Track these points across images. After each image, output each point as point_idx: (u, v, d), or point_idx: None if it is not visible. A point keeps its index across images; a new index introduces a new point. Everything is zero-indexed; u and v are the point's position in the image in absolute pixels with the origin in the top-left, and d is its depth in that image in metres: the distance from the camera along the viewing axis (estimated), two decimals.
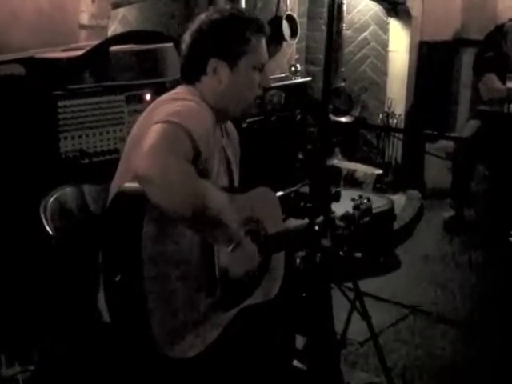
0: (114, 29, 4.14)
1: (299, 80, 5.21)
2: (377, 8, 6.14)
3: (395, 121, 5.99)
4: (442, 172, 5.61)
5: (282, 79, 5.08)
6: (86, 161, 3.02)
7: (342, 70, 5.98)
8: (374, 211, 4.13)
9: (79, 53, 3.09)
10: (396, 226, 4.83)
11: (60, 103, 2.92)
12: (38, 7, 3.43)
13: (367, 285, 3.74)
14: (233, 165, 2.35)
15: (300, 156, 5.05)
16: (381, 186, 5.66)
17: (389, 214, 4.58)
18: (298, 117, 5.04)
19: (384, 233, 4.53)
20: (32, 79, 2.98)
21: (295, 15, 5.31)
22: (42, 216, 2.20)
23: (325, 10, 6.09)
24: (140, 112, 2.21)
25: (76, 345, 2.22)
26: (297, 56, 5.78)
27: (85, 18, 3.62)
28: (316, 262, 2.35)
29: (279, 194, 2.80)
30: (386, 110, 6.04)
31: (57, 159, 2.92)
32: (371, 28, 6.22)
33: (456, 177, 5.19)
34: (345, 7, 6.01)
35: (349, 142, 6.18)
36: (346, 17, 6.12)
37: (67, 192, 2.35)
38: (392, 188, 5.75)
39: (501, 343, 3.49)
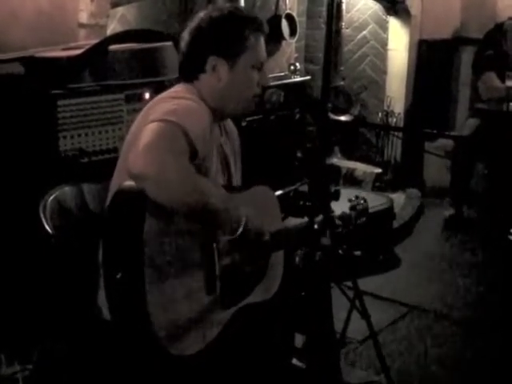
0: (113, 28, 4.14)
1: (298, 79, 5.21)
2: (376, 7, 6.14)
3: (394, 119, 5.99)
4: (442, 171, 5.61)
5: (281, 78, 5.08)
6: (86, 160, 3.02)
7: (342, 68, 5.98)
8: (373, 210, 4.17)
9: (78, 52, 3.08)
10: (395, 224, 4.83)
11: (59, 102, 2.92)
12: (37, 6, 3.43)
13: (367, 283, 3.75)
14: (231, 163, 2.35)
15: (299, 155, 5.05)
16: (380, 184, 5.66)
17: (388, 212, 4.58)
18: (298, 116, 5.04)
19: (383, 231, 4.53)
20: (31, 78, 2.98)
21: (294, 14, 5.31)
22: (42, 215, 2.20)
23: (324, 8, 6.09)
24: (139, 111, 2.21)
25: (76, 343, 2.22)
26: (296, 55, 5.78)
27: (84, 17, 3.61)
28: (315, 261, 2.35)
29: (278, 192, 2.79)
30: (386, 108, 6.05)
31: (56, 158, 2.92)
32: (370, 26, 6.22)
33: (455, 175, 5.19)
34: (344, 6, 6.00)
35: (348, 141, 6.18)
36: (346, 15, 6.12)
37: (66, 191, 2.35)
38: (391, 187, 5.75)
39: (500, 342, 3.49)
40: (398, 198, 5.47)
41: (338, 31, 5.88)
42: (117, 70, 3.12)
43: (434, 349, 3.44)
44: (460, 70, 6.28)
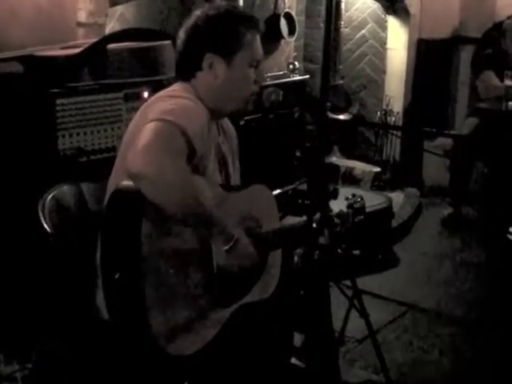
0: (111, 26, 4.14)
1: (297, 78, 5.21)
2: (375, 6, 6.14)
3: (393, 118, 5.99)
4: (441, 170, 5.61)
5: (280, 77, 5.08)
6: (84, 159, 3.02)
7: (340, 67, 5.97)
8: (372, 209, 4.19)
9: (77, 51, 3.08)
10: (394, 223, 4.84)
11: (58, 101, 2.92)
12: (36, 5, 3.43)
13: (365, 282, 3.75)
14: (229, 163, 2.35)
15: (298, 154, 5.05)
16: (379, 183, 5.66)
17: (387, 211, 4.58)
18: (296, 114, 5.04)
19: (382, 230, 4.54)
20: (30, 77, 2.98)
21: (293, 13, 5.31)
22: (40, 214, 2.20)
23: (323, 7, 6.08)
24: (138, 110, 2.21)
25: (74, 342, 2.22)
26: (295, 54, 5.78)
27: (82, 16, 3.62)
28: (314, 260, 2.35)
29: (277, 191, 2.80)
30: (384, 107, 6.05)
31: (55, 157, 2.93)
32: (369, 26, 6.22)
33: (454, 174, 5.19)
34: (343, 5, 5.99)
35: (347, 140, 6.17)
36: (344, 14, 6.11)
37: (65, 190, 2.35)
38: (390, 186, 5.75)
39: (500, 341, 3.49)
40: (397, 197, 5.47)
41: (337, 30, 5.87)
42: (115, 68, 3.11)
43: (433, 348, 3.44)
44: (459, 69, 6.27)
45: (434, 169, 5.82)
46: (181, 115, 1.97)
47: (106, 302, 1.95)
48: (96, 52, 3.08)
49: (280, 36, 5.17)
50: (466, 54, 6.11)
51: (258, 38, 2.24)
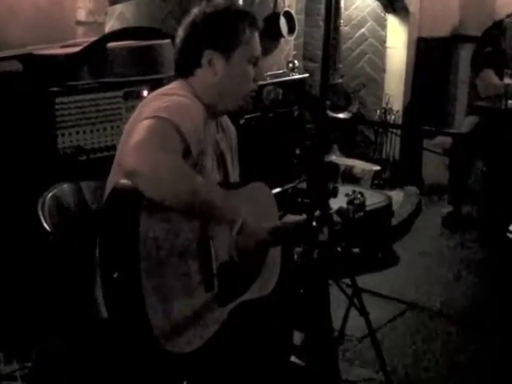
0: (111, 25, 4.14)
1: (297, 76, 5.20)
2: (374, 4, 6.14)
3: (393, 117, 5.99)
4: (440, 168, 5.61)
5: (279, 75, 5.07)
6: (84, 157, 3.02)
7: (340, 66, 5.97)
8: (371, 207, 4.19)
9: (77, 49, 3.08)
10: (394, 222, 4.84)
11: (57, 100, 2.92)
12: (35, 3, 3.43)
13: (365, 281, 3.75)
14: (228, 160, 2.35)
15: (298, 152, 5.05)
16: (378, 182, 5.66)
17: (387, 210, 4.59)
18: (296, 113, 5.04)
19: (382, 229, 4.54)
20: (29, 76, 2.98)
21: (293, 11, 5.30)
22: (40, 212, 2.20)
23: (322, 6, 6.08)
24: None
25: (74, 341, 2.22)
26: (294, 52, 5.78)
27: (82, 15, 3.62)
28: (314, 258, 2.35)
29: (277, 190, 2.79)
30: (384, 106, 6.05)
31: (54, 156, 2.92)
32: (369, 24, 6.22)
33: (454, 173, 5.19)
34: (342, 3, 5.99)
35: (346, 139, 6.17)
36: (344, 13, 6.11)
37: (65, 188, 2.35)
38: (390, 184, 5.75)
39: (500, 340, 3.49)
40: (397, 195, 5.47)
41: (337, 29, 5.86)
42: (115, 67, 3.12)
43: (433, 346, 3.44)
44: (458, 67, 6.27)
45: (434, 167, 5.82)
46: (175, 112, 1.97)
47: (105, 300, 1.94)
48: (95, 51, 3.08)
49: (279, 34, 5.16)
50: (465, 53, 6.11)
51: (256, 34, 2.24)
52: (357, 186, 5.06)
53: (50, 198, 2.26)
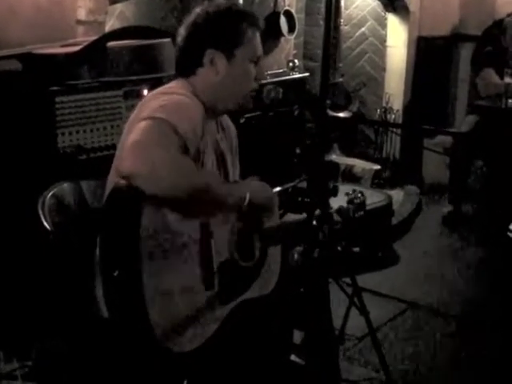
0: (111, 24, 4.14)
1: (297, 75, 5.20)
2: (374, 3, 6.14)
3: (393, 116, 5.99)
4: (440, 167, 5.61)
5: (279, 75, 5.07)
6: (84, 156, 3.02)
7: (340, 65, 5.96)
8: (372, 207, 4.19)
9: (77, 48, 3.08)
10: (394, 221, 4.84)
11: (57, 99, 2.92)
12: (35, 3, 3.43)
13: (365, 280, 3.75)
14: (227, 160, 2.35)
15: (298, 151, 5.05)
16: (379, 181, 5.66)
17: (387, 209, 4.58)
18: (296, 112, 5.03)
19: (382, 228, 4.54)
20: (29, 75, 2.98)
21: (293, 11, 5.30)
22: (40, 211, 2.20)
23: (322, 5, 6.07)
24: None
25: (74, 340, 2.22)
26: (295, 51, 5.77)
27: (82, 14, 3.62)
28: (314, 257, 2.35)
29: (277, 189, 2.79)
30: (384, 105, 6.04)
31: (54, 155, 2.92)
32: (369, 23, 6.22)
33: (454, 172, 5.19)
34: (343, 2, 5.99)
35: (347, 138, 6.17)
36: (344, 12, 6.11)
37: (65, 187, 2.35)
38: (390, 183, 5.76)
39: (499, 339, 3.49)
40: (397, 194, 5.47)
41: (337, 28, 5.86)
42: (115, 66, 3.12)
43: (433, 345, 3.44)
44: (459, 66, 6.27)
45: (434, 166, 5.82)
46: (172, 112, 1.96)
47: (106, 299, 1.95)
48: (96, 50, 3.08)
49: (280, 34, 5.16)
50: (465, 52, 6.11)
51: (258, 34, 2.24)
52: (357, 186, 5.06)
53: (50, 197, 2.26)
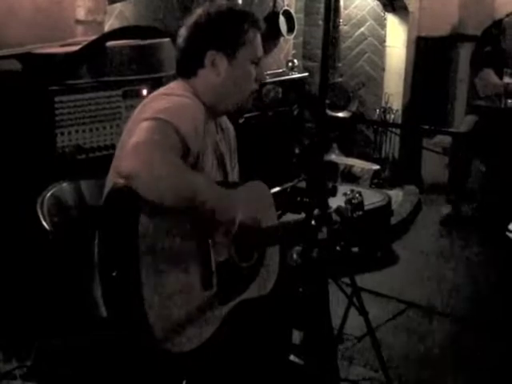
0: (110, 24, 4.13)
1: (296, 75, 5.21)
2: (374, 3, 6.14)
3: (392, 116, 5.99)
4: (439, 167, 5.61)
5: (279, 74, 5.08)
6: (83, 156, 3.02)
7: (339, 65, 5.98)
8: (371, 207, 4.19)
9: (76, 48, 3.08)
10: (393, 221, 4.84)
11: (56, 98, 2.92)
12: (34, 3, 3.43)
13: (364, 280, 3.75)
14: (227, 161, 2.35)
15: (297, 151, 5.05)
16: (378, 181, 5.66)
17: (386, 209, 4.59)
18: (295, 112, 5.04)
19: (381, 228, 4.54)
20: (29, 74, 2.98)
21: (292, 11, 5.31)
22: (39, 211, 2.20)
23: (322, 5, 6.08)
24: (137, 107, 2.21)
25: (73, 340, 2.22)
26: (294, 51, 5.78)
27: (81, 14, 3.61)
28: (313, 257, 2.35)
29: (276, 189, 2.80)
30: (384, 105, 6.05)
31: (53, 155, 2.92)
32: (368, 23, 6.22)
33: (453, 172, 5.19)
34: (342, 2, 6.00)
35: (346, 138, 6.17)
36: (343, 12, 6.12)
37: (64, 187, 2.35)
38: (389, 183, 5.75)
39: (499, 339, 3.49)
40: (396, 194, 5.48)
41: (336, 28, 5.87)
42: (114, 66, 3.11)
43: (432, 345, 3.44)
44: (458, 66, 6.26)
45: (433, 166, 5.82)
46: (174, 113, 1.97)
47: (104, 299, 1.95)
48: (95, 49, 3.07)
49: (279, 34, 5.17)
50: (465, 52, 6.11)
51: (258, 35, 2.24)
52: (356, 186, 5.06)
53: (49, 197, 2.26)
